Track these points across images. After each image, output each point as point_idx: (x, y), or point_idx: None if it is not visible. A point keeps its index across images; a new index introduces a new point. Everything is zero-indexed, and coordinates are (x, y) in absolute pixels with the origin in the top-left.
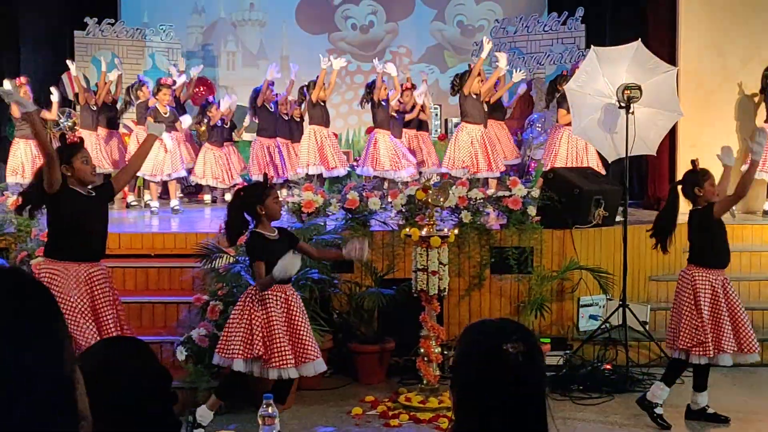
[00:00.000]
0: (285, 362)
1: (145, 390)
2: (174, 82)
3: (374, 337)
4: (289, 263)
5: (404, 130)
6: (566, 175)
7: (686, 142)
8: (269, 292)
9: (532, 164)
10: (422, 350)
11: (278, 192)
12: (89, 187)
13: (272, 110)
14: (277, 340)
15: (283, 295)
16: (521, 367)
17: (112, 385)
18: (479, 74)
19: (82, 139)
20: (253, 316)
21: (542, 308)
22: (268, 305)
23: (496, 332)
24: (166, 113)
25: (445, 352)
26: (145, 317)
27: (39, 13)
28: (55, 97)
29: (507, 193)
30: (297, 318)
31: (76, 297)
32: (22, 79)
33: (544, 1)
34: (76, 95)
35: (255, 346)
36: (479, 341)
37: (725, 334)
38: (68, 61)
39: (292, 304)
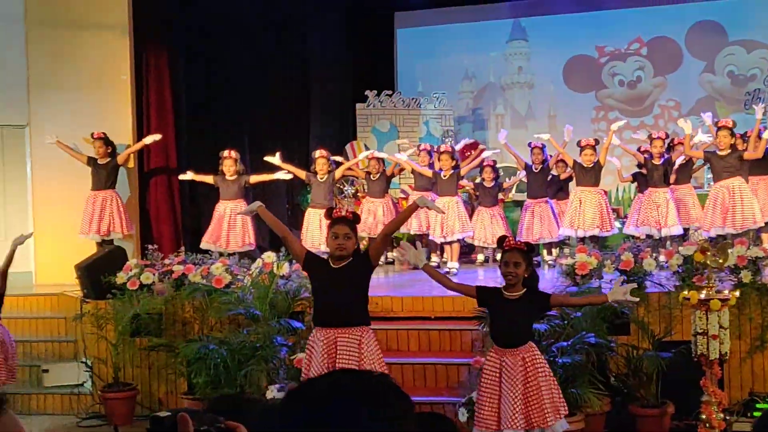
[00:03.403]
0: (515, 425)
1: None
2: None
3: (654, 400)
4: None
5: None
6: None
7: None
8: (507, 357)
9: None
10: (704, 416)
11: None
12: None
13: (536, 171)
14: (509, 406)
15: (520, 361)
16: None
17: None
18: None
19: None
20: (494, 384)
21: None
22: (504, 369)
23: None
24: (446, 177)
25: (727, 418)
26: (429, 378)
27: (326, 89)
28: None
29: None
30: (532, 381)
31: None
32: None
33: None
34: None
35: (503, 418)
36: None
37: None
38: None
39: (529, 367)
